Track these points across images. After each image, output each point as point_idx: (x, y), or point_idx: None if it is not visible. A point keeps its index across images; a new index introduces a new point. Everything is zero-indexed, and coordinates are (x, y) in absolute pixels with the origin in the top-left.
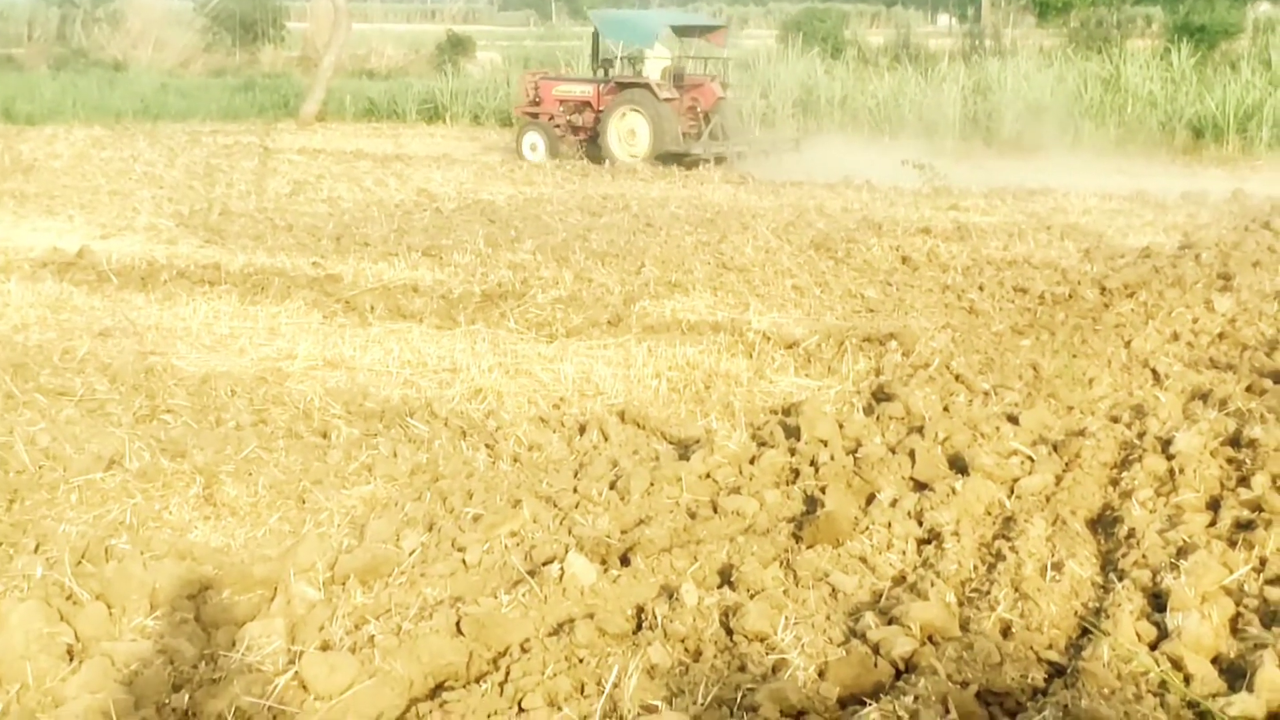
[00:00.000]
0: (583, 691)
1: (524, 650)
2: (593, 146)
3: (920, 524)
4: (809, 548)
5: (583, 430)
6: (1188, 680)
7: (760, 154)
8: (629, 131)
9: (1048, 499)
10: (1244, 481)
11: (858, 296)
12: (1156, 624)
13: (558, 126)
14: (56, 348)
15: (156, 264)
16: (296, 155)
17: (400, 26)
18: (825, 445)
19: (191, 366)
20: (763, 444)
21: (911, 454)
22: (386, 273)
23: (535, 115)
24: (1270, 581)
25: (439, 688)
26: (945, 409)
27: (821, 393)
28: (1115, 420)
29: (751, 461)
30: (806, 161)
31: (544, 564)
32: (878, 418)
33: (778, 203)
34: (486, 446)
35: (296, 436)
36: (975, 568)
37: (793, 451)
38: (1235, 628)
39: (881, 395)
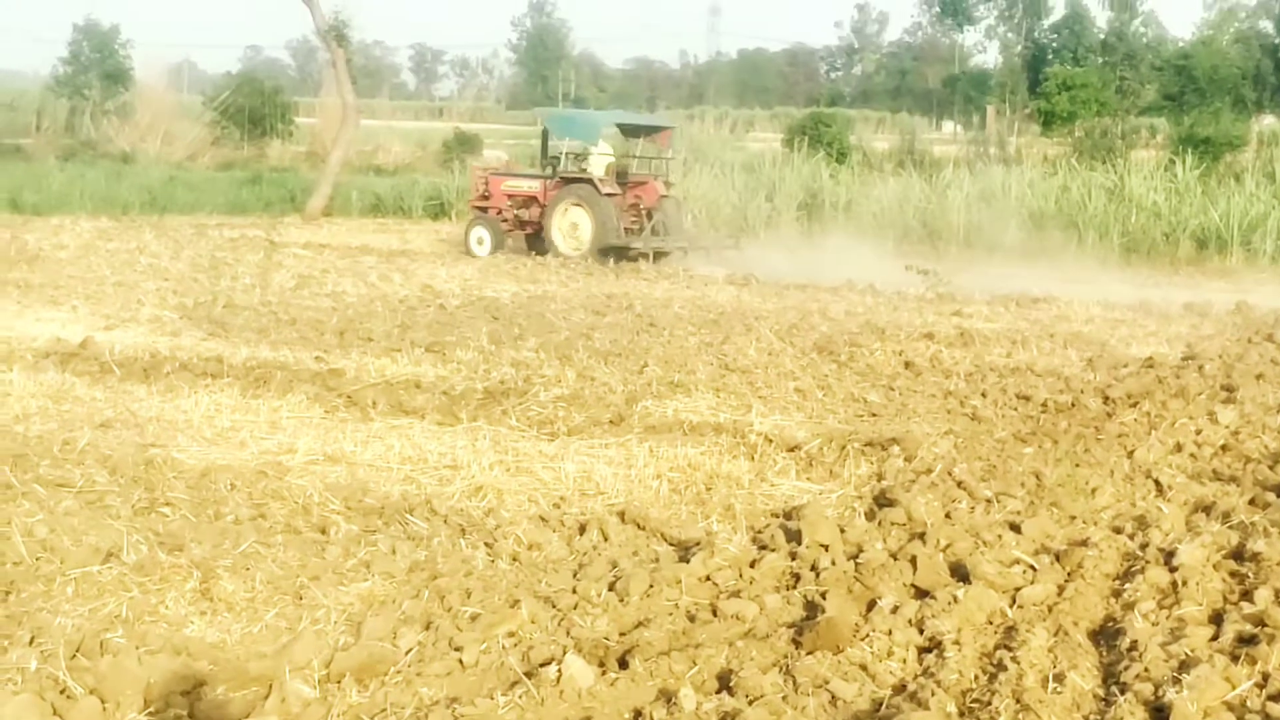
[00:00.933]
0: None
1: None
2: (538, 240)
3: (921, 632)
4: (809, 654)
5: (583, 530)
6: None
7: (699, 251)
8: (572, 225)
9: (1050, 609)
10: (1247, 595)
11: (860, 400)
12: None
13: (505, 221)
14: (57, 438)
15: (159, 356)
16: (302, 250)
17: (408, 124)
18: (826, 550)
19: (192, 459)
20: (763, 547)
21: (913, 561)
22: (389, 368)
23: (484, 210)
24: (1273, 698)
25: None
26: (947, 516)
27: (823, 497)
28: (1118, 531)
29: (752, 565)
30: (808, 264)
31: (542, 665)
32: (879, 523)
33: (781, 305)
34: (486, 545)
35: (295, 532)
36: (976, 677)
37: (794, 556)
38: None
39: (883, 500)
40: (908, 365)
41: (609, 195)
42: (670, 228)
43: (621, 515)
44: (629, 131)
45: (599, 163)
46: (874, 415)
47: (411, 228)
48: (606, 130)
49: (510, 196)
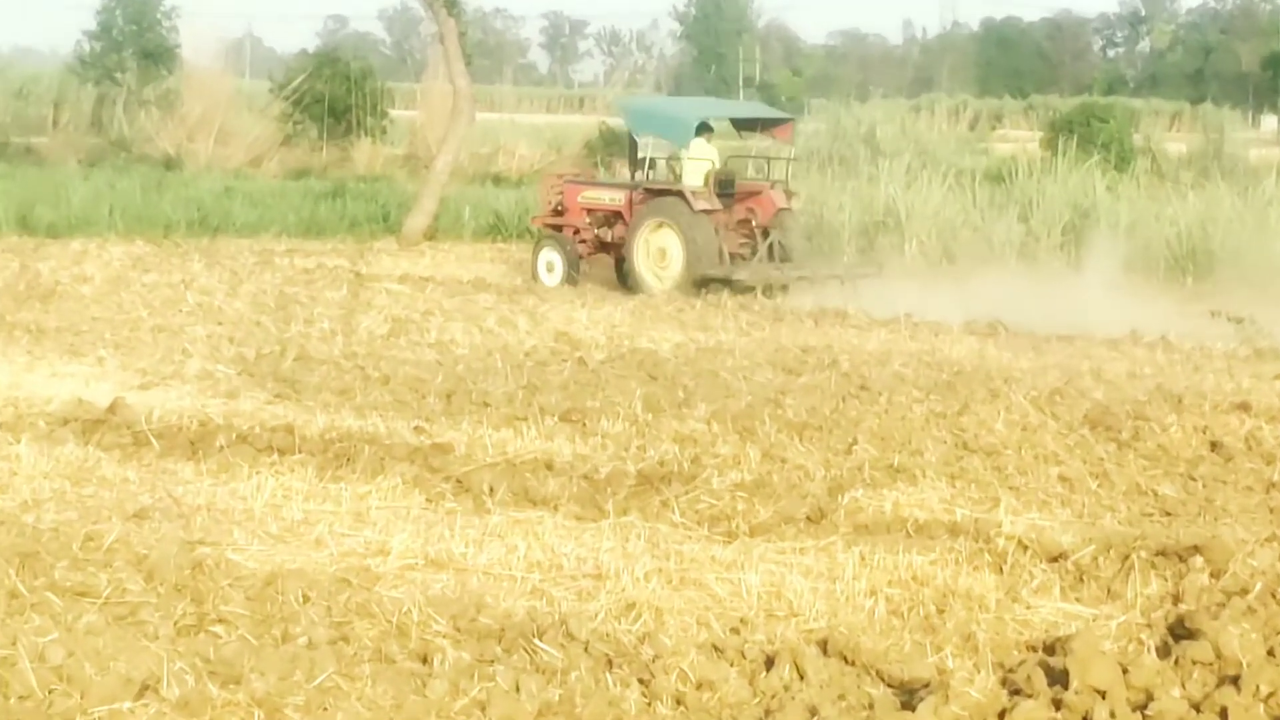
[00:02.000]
0: None
1: None
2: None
3: None
4: None
5: (770, 664)
6: None
7: (829, 280)
8: (659, 251)
9: None
10: None
11: (1149, 494)
12: None
13: (584, 242)
14: (77, 533)
15: (210, 424)
16: (397, 284)
17: (538, 117)
18: (1103, 698)
19: (252, 562)
20: (1016, 692)
21: (1223, 713)
22: (511, 443)
23: (559, 228)
24: None
25: None
26: (1270, 653)
27: (1098, 624)
28: None
29: (1001, 715)
30: (1076, 307)
31: None
32: (1176, 661)
33: (1040, 363)
34: (640, 682)
35: (387, 660)
36: None
37: (1058, 704)
38: None
39: (1181, 631)
40: (1214, 446)
41: (704, 211)
42: (791, 251)
43: (823, 645)
44: (741, 125)
45: (695, 169)
46: (1168, 514)
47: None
48: (718, 125)
49: (590, 211)
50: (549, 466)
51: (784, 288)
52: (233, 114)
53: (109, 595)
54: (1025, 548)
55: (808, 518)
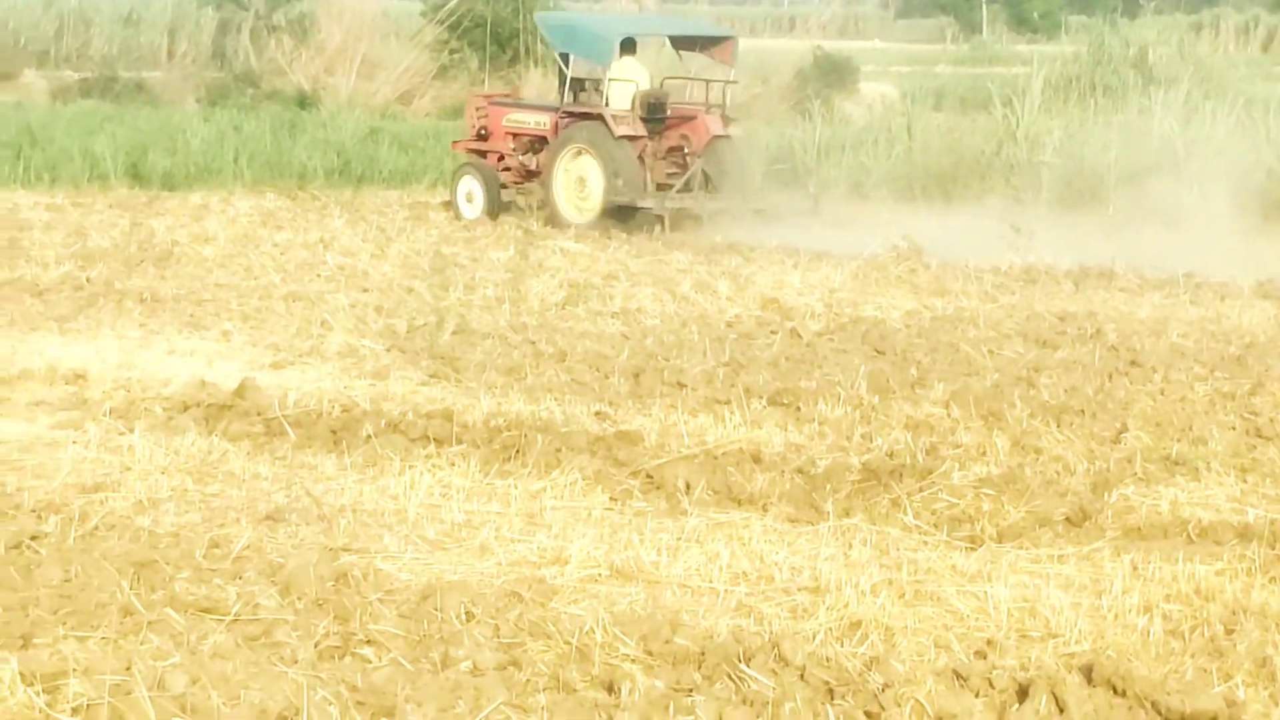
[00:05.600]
0: None
1: None
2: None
3: None
4: None
5: (1023, 695)
6: None
7: (753, 214)
8: (578, 179)
9: None
10: None
11: None
12: None
13: (508, 170)
14: (201, 538)
15: (355, 409)
16: (573, 243)
17: (741, 42)
18: None
19: (406, 573)
20: None
21: None
22: (711, 431)
23: (483, 154)
24: None
25: None
26: None
27: None
28: None
29: None
30: None
31: None
32: None
33: None
34: (867, 715)
35: (566, 689)
36: None
37: None
38: None
39: None
40: None
41: (625, 137)
42: (723, 181)
43: (1087, 672)
44: (679, 44)
45: (621, 91)
46: None
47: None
48: (652, 43)
49: (515, 136)
50: (756, 459)
51: (697, 219)
52: (378, 42)
53: (239, 612)
54: None
55: (1067, 519)
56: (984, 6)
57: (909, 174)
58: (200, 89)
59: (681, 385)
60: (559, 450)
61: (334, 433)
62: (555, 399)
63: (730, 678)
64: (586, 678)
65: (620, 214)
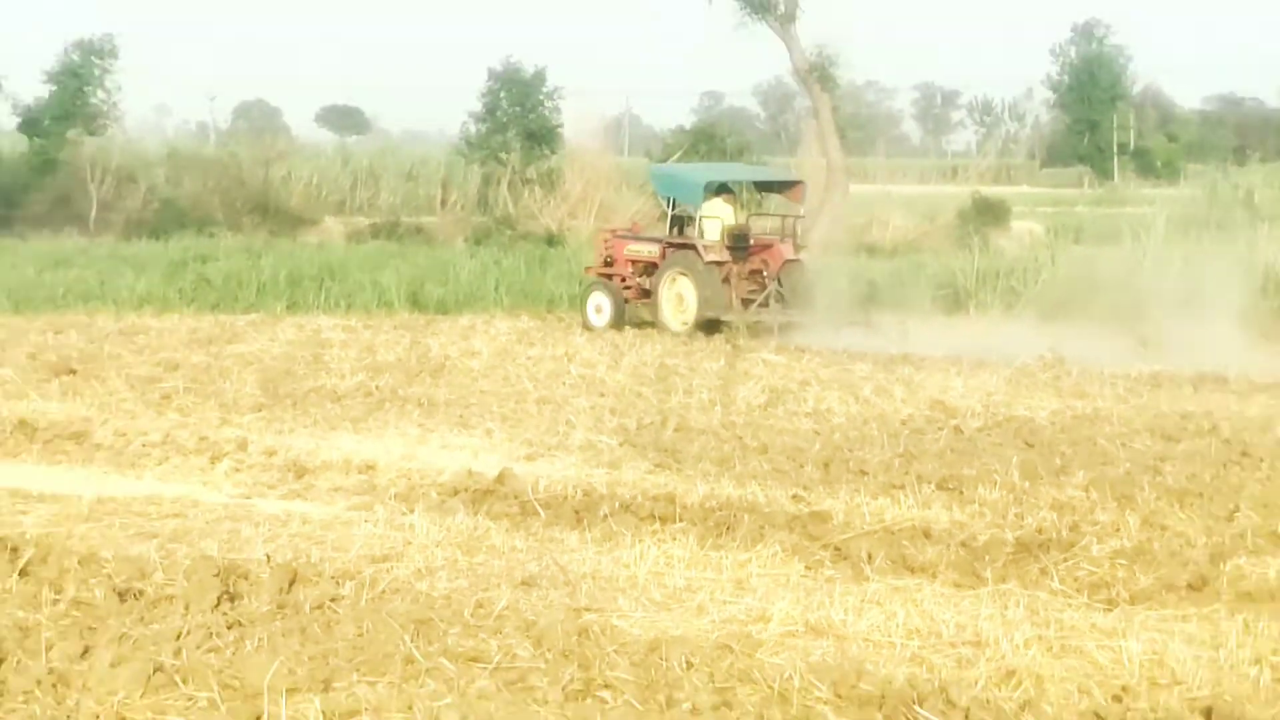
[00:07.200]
0: None
1: None
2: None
3: None
4: None
5: None
6: None
7: (813, 327)
8: (677, 296)
9: None
10: None
11: None
12: None
13: (629, 288)
14: (469, 600)
15: (594, 493)
16: (773, 355)
17: (910, 189)
18: None
19: (637, 628)
20: None
21: None
22: (888, 511)
23: (609, 277)
24: None
25: None
26: None
27: None
28: None
29: None
30: None
31: None
32: None
33: None
34: None
35: None
36: None
37: None
38: None
39: None
40: None
41: (714, 263)
42: (792, 297)
43: (1207, 714)
44: (758, 188)
45: (712, 226)
46: None
47: (915, 324)
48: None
49: (633, 263)
50: (926, 534)
51: (781, 329)
52: (613, 190)
53: (499, 661)
54: None
55: (1189, 585)
56: (1115, 157)
57: (1054, 296)
58: (468, 231)
59: (864, 473)
60: (762, 527)
61: (577, 513)
62: (759, 484)
63: (906, 717)
64: (787, 717)
65: (709, 325)
